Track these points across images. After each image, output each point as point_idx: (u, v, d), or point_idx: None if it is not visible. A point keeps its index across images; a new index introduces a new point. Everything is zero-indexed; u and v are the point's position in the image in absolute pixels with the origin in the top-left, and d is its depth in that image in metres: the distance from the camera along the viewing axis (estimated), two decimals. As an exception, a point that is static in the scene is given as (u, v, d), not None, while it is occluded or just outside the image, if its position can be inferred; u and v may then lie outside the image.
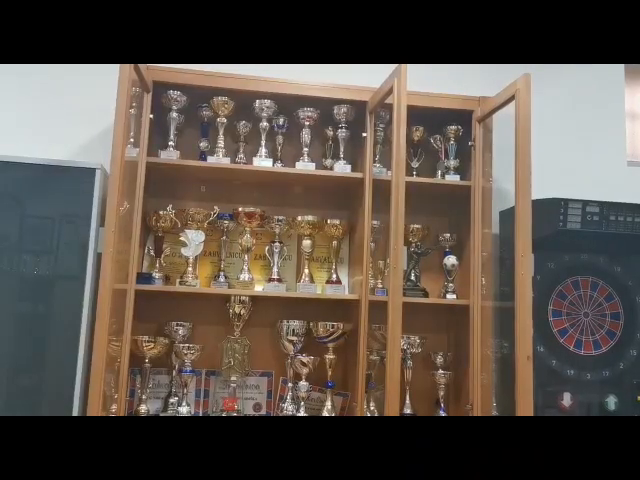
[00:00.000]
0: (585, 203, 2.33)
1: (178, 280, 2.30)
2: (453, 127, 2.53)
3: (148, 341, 2.22)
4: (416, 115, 2.31)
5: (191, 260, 2.33)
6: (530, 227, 2.01)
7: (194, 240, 2.32)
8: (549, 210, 2.33)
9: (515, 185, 2.07)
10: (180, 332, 2.31)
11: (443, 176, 2.53)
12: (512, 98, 2.15)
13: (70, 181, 2.19)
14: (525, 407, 1.90)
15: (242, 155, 2.45)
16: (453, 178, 2.50)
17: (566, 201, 2.34)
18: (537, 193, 2.15)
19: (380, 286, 2.43)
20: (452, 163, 2.53)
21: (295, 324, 2.34)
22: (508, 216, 2.55)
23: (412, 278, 2.48)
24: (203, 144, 2.44)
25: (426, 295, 2.46)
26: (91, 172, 2.19)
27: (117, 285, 1.99)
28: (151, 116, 2.24)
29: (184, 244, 2.33)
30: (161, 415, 2.26)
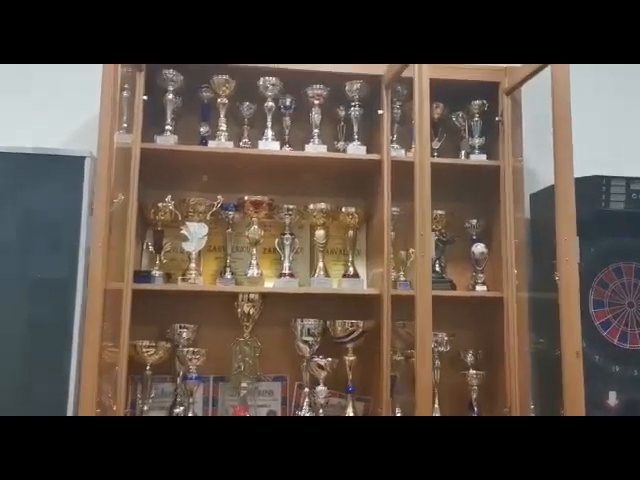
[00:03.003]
0: (629, 181, 2.12)
1: (180, 278, 2.11)
2: (477, 102, 2.32)
3: (148, 346, 2.02)
4: (435, 90, 2.07)
5: (194, 255, 2.14)
6: (574, 207, 1.79)
7: (196, 233, 2.14)
8: (589, 189, 2.11)
9: (554, 162, 1.83)
10: (184, 335, 2.12)
11: (467, 156, 2.32)
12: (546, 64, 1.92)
13: (57, 171, 2.01)
14: (575, 410, 1.68)
15: (246, 139, 2.26)
16: (479, 158, 2.29)
17: (608, 179, 2.13)
18: (575, 171, 1.92)
19: (403, 279, 2.24)
20: (477, 141, 2.32)
21: (310, 323, 2.16)
22: (540, 199, 2.36)
23: (437, 269, 2.27)
24: (203, 128, 2.24)
25: (453, 287, 2.26)
26: (80, 161, 2.01)
27: (113, 284, 1.82)
28: (145, 97, 2.04)
29: (185, 238, 2.14)
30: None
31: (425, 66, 1.81)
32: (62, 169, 2.01)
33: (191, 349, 2.07)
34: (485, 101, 2.32)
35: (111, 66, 1.73)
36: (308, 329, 2.16)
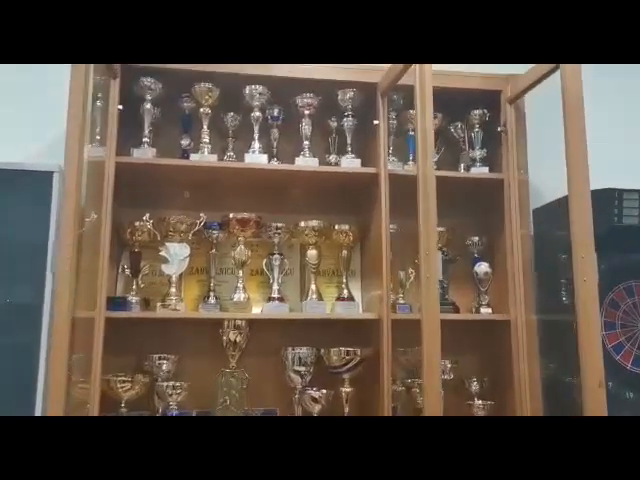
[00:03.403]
0: (644, 194, 1.99)
1: (159, 304, 1.94)
2: (478, 111, 2.19)
3: (124, 381, 1.83)
4: (433, 100, 1.96)
5: (174, 279, 1.98)
6: (591, 222, 1.65)
7: (177, 255, 1.97)
8: (601, 203, 1.94)
9: (568, 174, 1.70)
10: (163, 367, 1.95)
11: (468, 169, 2.18)
12: (555, 69, 1.79)
13: (23, 188, 1.85)
14: (600, 447, 1.52)
15: (231, 152, 2.12)
16: (481, 171, 2.15)
17: (620, 192, 1.99)
18: (585, 183, 1.81)
19: (402, 301, 2.09)
20: (478, 153, 2.19)
21: (302, 352, 2.01)
22: (544, 214, 2.23)
23: (439, 290, 2.11)
24: (185, 141, 2.09)
25: (456, 310, 2.11)
26: (47, 176, 1.85)
27: (83, 312, 1.66)
28: (120, 107, 1.89)
29: (165, 260, 1.98)
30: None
31: (428, 71, 1.67)
32: (28, 185, 1.85)
33: (171, 383, 1.90)
34: (486, 110, 2.20)
35: (81, 68, 1.55)
36: (300, 358, 2.01)
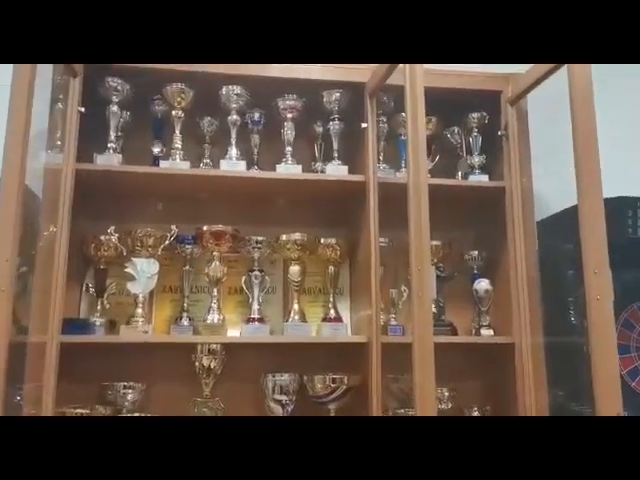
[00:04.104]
0: (662, 203, 1.85)
1: (123, 326, 1.77)
2: (476, 114, 2.04)
3: (81, 413, 1.66)
4: (426, 102, 1.81)
5: (141, 298, 1.81)
6: (604, 231, 1.49)
7: (144, 272, 1.81)
8: (614, 213, 1.79)
9: (577, 180, 1.53)
10: (129, 397, 1.80)
11: (466, 177, 2.02)
12: (560, 65, 1.63)
13: None
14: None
15: (208, 160, 1.97)
16: (480, 178, 2.00)
17: (635, 200, 1.85)
18: (595, 191, 1.65)
19: (394, 322, 1.92)
20: (477, 160, 2.03)
21: (284, 379, 1.86)
22: (549, 227, 2.07)
23: (434, 310, 1.95)
24: (156, 148, 1.95)
25: (454, 332, 1.95)
26: None
27: (37, 337, 1.54)
28: (81, 109, 1.74)
29: (131, 277, 1.81)
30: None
31: (419, 68, 1.51)
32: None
33: (136, 415, 1.75)
34: (485, 113, 2.05)
35: (28, 67, 1.39)
36: (281, 386, 1.86)
